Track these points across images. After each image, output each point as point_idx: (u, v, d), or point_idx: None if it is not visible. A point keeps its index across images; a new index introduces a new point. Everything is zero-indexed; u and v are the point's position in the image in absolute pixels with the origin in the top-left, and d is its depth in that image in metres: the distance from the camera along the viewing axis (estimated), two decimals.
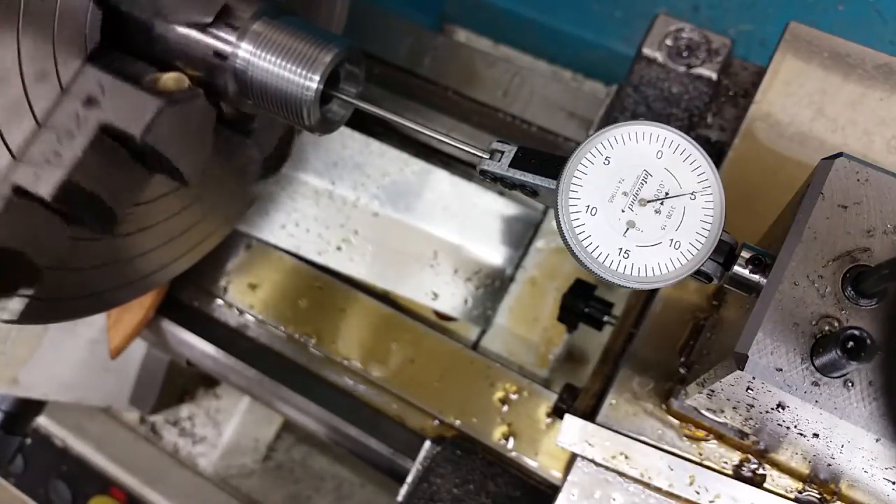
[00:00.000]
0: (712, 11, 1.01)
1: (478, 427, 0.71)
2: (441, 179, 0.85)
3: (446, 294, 0.83)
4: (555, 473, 0.67)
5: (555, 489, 0.55)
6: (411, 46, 0.93)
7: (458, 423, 0.71)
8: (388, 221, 0.84)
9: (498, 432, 0.70)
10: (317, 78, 0.49)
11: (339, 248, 0.84)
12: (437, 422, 0.72)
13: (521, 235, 0.85)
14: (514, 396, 0.72)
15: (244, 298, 0.80)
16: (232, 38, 0.50)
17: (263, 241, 0.83)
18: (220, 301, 0.81)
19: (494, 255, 0.85)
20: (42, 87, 0.46)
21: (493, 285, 0.84)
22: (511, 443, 0.69)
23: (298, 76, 0.49)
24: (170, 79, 0.50)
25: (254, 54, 0.50)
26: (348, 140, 0.85)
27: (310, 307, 0.79)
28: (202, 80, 0.52)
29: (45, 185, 0.46)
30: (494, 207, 0.85)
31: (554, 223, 0.84)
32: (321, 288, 0.80)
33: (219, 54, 0.50)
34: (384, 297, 0.83)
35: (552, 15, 1.12)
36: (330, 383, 0.76)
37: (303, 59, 0.49)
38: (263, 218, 0.83)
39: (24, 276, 0.51)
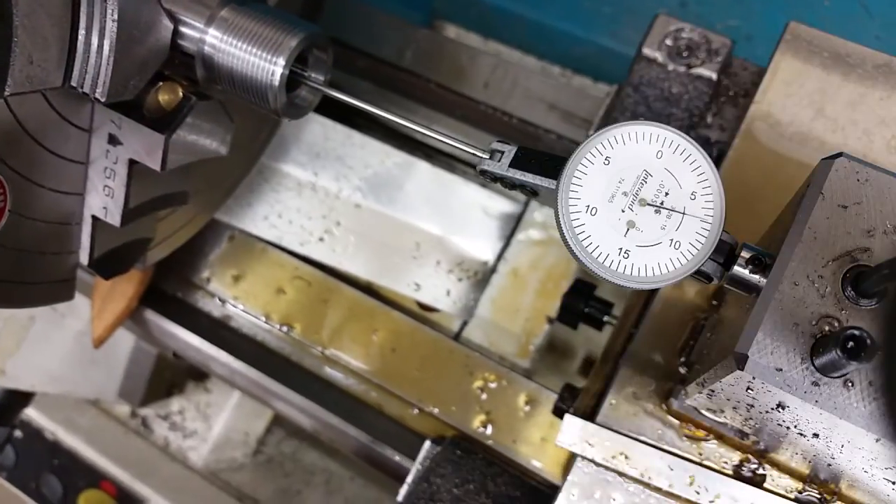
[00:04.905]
0: (700, 7, 1.01)
1: (457, 415, 0.71)
2: (423, 171, 0.85)
3: (429, 285, 0.84)
4: (535, 463, 0.68)
5: (555, 489, 0.55)
6: (394, 40, 0.94)
7: (436, 411, 0.72)
8: (370, 213, 0.85)
9: (477, 420, 0.71)
10: (282, 62, 0.49)
11: (321, 240, 0.84)
12: (416, 410, 0.73)
13: (504, 227, 0.85)
14: (493, 385, 0.72)
15: (227, 289, 0.81)
16: (200, 25, 0.50)
17: (246, 233, 0.83)
18: (203, 292, 0.81)
19: (477, 246, 0.85)
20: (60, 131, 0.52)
21: (476, 276, 0.84)
22: (489, 430, 0.70)
23: (264, 60, 0.50)
24: (165, 92, 0.52)
25: (221, 40, 0.50)
26: (330, 132, 0.86)
27: (292, 298, 0.79)
28: (189, 73, 0.53)
29: (112, 216, 0.56)
30: (477, 199, 0.85)
31: (536, 214, 0.85)
32: (303, 279, 0.80)
33: (188, 41, 0.51)
34: (367, 289, 0.83)
35: (541, 10, 1.12)
36: (311, 373, 0.76)
37: (268, 44, 0.50)
38: (246, 209, 0.84)
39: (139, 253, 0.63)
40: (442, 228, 0.84)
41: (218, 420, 1.03)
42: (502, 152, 0.47)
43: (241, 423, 1.06)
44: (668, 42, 0.67)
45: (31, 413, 0.93)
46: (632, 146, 0.43)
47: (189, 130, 0.53)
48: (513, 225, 0.85)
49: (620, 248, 0.42)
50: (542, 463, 0.68)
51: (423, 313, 0.85)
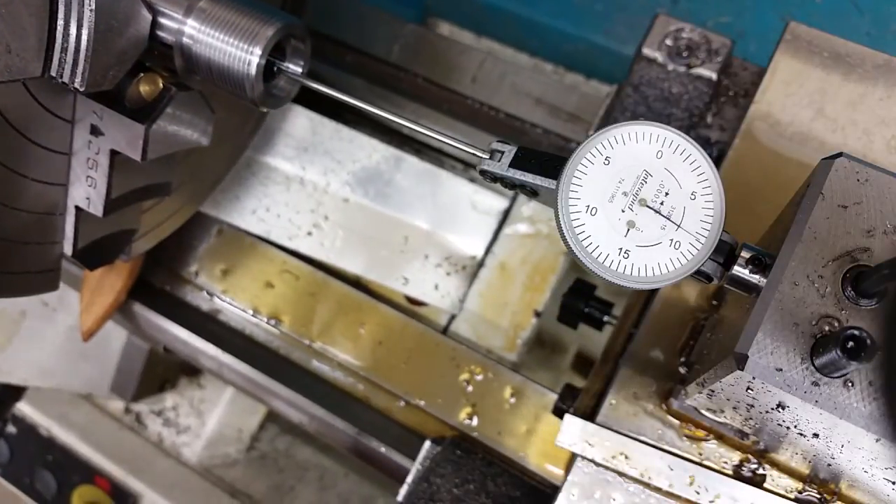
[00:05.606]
0: (691, 4, 1.02)
1: (443, 407, 0.72)
2: (411, 165, 0.85)
3: (417, 279, 0.84)
4: (521, 454, 0.69)
5: (555, 489, 0.55)
6: (382, 35, 0.94)
7: (423, 403, 0.72)
8: (358, 207, 0.84)
9: (462, 412, 0.71)
10: (258, 52, 0.50)
11: (309, 234, 0.84)
12: (403, 403, 0.73)
13: (492, 221, 0.85)
14: (478, 378, 0.73)
15: (215, 283, 0.81)
16: (178, 15, 0.51)
17: (234, 227, 0.83)
18: (191, 286, 0.81)
19: (464, 240, 0.85)
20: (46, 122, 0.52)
21: (464, 271, 0.84)
22: (475, 422, 0.71)
23: (241, 50, 0.50)
24: (146, 83, 0.53)
25: (199, 30, 0.51)
26: (318, 126, 0.85)
27: (280, 292, 0.80)
28: (168, 64, 0.53)
29: (95, 206, 0.57)
30: (465, 193, 0.85)
31: (524, 209, 0.84)
32: (291, 273, 0.80)
33: (166, 32, 0.51)
34: (356, 283, 0.83)
35: (533, 8, 1.12)
36: (299, 366, 0.77)
37: (245, 34, 0.50)
38: (234, 203, 0.84)
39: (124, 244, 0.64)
40: (430, 223, 0.84)
41: (211, 416, 1.03)
42: (502, 152, 0.47)
43: (234, 419, 1.06)
44: (668, 42, 0.67)
45: (25, 409, 0.93)
46: (632, 146, 0.43)
47: (169, 121, 0.54)
48: (500, 219, 0.85)
49: (620, 248, 0.42)
50: (526, 454, 0.69)
51: (411, 307, 0.85)
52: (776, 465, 0.52)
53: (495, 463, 0.66)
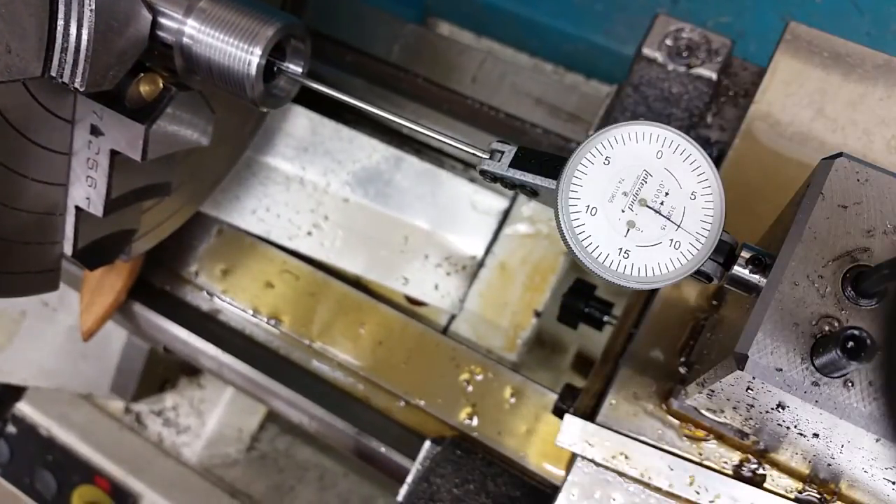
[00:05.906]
0: (691, 4, 1.02)
1: (443, 407, 0.72)
2: (411, 165, 0.85)
3: (417, 279, 0.84)
4: (521, 454, 0.69)
5: (555, 489, 0.55)
6: (382, 35, 0.94)
7: (423, 403, 0.72)
8: (358, 207, 0.85)
9: (463, 412, 0.71)
10: (258, 52, 0.50)
11: (309, 234, 0.84)
12: (403, 403, 0.73)
13: (492, 221, 0.85)
14: (478, 378, 0.73)
15: (215, 283, 0.81)
16: (178, 15, 0.51)
17: (234, 227, 0.83)
18: (191, 286, 0.82)
19: (464, 240, 0.85)
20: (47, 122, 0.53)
21: (464, 271, 0.85)
22: (475, 422, 0.71)
23: (241, 51, 0.50)
24: (146, 83, 0.53)
25: (199, 30, 0.51)
26: (318, 126, 0.86)
27: (280, 292, 0.80)
28: (168, 64, 0.53)
29: (95, 206, 0.57)
30: (465, 193, 0.85)
31: (524, 209, 0.85)
32: (291, 273, 0.81)
33: (166, 32, 0.52)
34: (356, 283, 0.83)
35: (533, 8, 1.13)
36: (299, 366, 0.77)
37: (245, 34, 0.50)
38: (234, 203, 0.84)
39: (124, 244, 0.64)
40: (430, 223, 0.84)
41: (211, 416, 1.04)
42: (502, 152, 0.47)
43: (234, 419, 1.06)
44: (668, 42, 0.67)
45: (25, 409, 0.93)
46: (632, 146, 0.43)
47: (169, 121, 0.54)
48: (501, 219, 0.85)
49: (620, 248, 0.42)
50: (526, 454, 0.69)
51: (410, 307, 0.86)
52: (776, 465, 0.52)
53: (495, 463, 0.66)
